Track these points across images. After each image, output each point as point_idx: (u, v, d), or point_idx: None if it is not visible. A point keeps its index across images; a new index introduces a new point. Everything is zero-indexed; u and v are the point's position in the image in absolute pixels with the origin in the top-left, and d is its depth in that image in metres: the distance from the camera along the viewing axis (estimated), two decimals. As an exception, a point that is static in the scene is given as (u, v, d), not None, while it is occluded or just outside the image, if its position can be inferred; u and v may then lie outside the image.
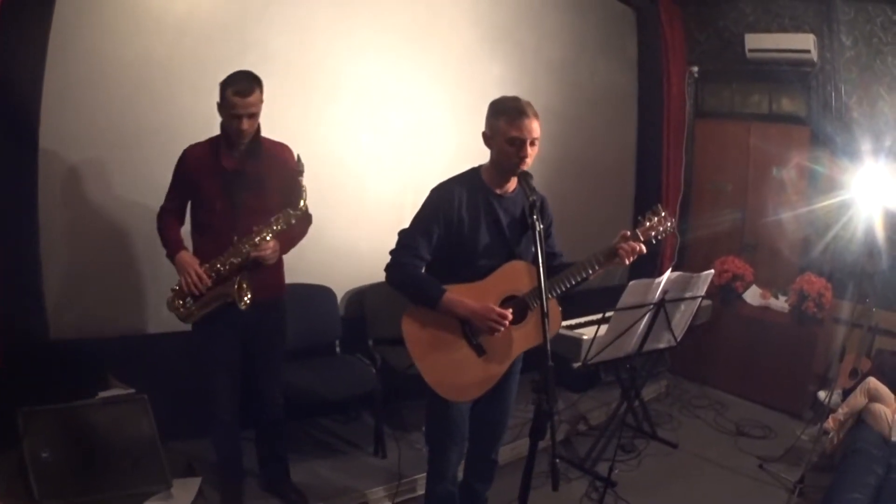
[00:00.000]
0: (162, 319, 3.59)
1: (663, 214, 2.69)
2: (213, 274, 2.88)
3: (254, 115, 2.85)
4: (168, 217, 3.03)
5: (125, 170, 3.46)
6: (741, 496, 3.83)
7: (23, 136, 3.16)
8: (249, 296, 2.88)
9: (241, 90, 2.77)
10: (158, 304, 3.52)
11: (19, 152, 3.17)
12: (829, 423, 3.95)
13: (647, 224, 2.67)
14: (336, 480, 3.57)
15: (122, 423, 3.02)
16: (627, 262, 2.61)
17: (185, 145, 2.97)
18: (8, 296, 3.14)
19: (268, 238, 2.90)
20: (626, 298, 3.42)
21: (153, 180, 3.18)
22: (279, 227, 2.91)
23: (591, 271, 2.61)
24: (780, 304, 5.24)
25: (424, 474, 3.48)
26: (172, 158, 2.97)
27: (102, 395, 3.09)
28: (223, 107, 2.83)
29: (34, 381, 3.04)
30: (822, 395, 4.68)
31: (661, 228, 2.68)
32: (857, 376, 4.37)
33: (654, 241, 2.69)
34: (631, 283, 3.42)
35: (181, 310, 2.94)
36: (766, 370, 5.05)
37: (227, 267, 2.88)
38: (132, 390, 3.15)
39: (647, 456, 4.23)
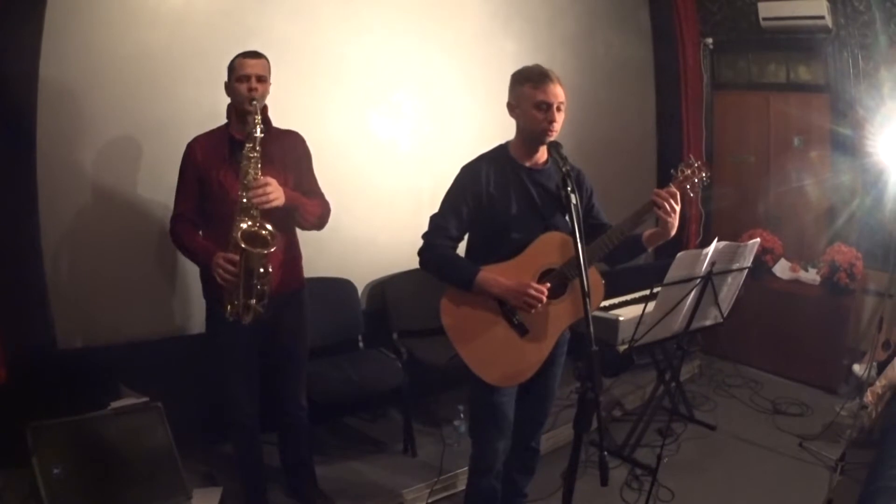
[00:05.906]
0: (172, 322, 3.53)
1: (697, 164, 2.51)
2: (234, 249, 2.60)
3: (262, 80, 2.74)
4: (183, 224, 2.77)
5: (129, 168, 3.34)
6: (784, 477, 3.71)
7: (19, 138, 3.05)
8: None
9: (249, 54, 2.75)
10: (167, 305, 3.50)
11: (16, 155, 3.06)
12: (868, 397, 3.86)
13: (681, 176, 2.50)
14: (366, 482, 3.46)
15: (137, 434, 2.92)
16: (667, 217, 2.39)
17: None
18: (11, 305, 3.04)
19: (257, 173, 2.57)
20: (673, 272, 3.24)
21: (159, 178, 3.07)
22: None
23: (626, 231, 2.45)
24: (811, 276, 5.10)
25: (459, 471, 3.40)
26: (179, 154, 2.82)
27: (114, 405, 2.97)
28: (231, 76, 2.74)
29: (42, 393, 2.97)
30: (856, 368, 4.58)
31: (696, 180, 2.50)
32: (891, 348, 4.26)
33: (690, 195, 2.52)
34: (679, 255, 3.25)
35: (237, 311, 2.65)
36: (799, 345, 4.92)
37: (240, 235, 2.55)
38: (145, 399, 3.02)
39: (685, 440, 4.11)
